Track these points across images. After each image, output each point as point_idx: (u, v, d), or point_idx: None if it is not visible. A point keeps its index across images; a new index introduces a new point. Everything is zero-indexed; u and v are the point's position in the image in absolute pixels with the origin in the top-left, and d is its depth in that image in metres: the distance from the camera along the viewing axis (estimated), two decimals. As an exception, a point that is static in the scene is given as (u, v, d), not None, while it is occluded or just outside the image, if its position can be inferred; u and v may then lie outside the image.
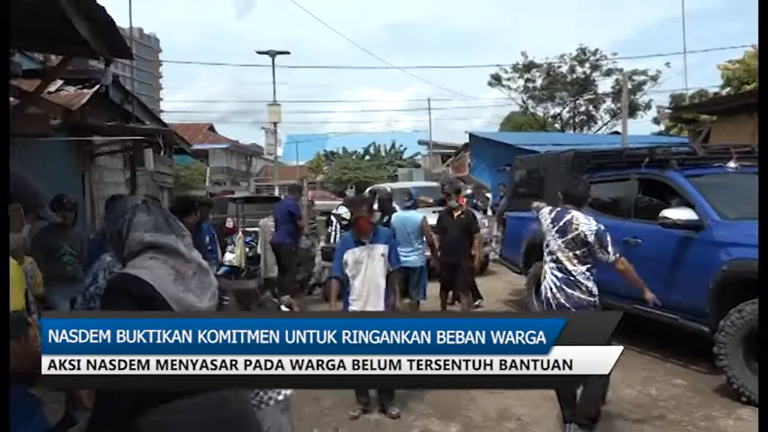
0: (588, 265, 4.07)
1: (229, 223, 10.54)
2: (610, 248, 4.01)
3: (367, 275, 4.75)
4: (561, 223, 4.15)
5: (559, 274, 4.12)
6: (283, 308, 8.26)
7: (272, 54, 24.69)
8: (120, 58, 7.64)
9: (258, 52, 24.69)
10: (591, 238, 4.01)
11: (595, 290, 4.07)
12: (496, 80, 35.28)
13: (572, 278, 4.06)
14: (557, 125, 36.25)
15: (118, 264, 2.38)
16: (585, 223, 4.06)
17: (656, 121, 32.75)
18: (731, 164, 5.99)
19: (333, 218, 9.65)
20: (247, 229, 11.10)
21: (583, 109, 35.93)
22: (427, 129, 40.20)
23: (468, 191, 19.02)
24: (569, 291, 4.05)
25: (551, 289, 4.14)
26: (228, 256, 9.09)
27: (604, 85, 34.58)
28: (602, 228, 4.06)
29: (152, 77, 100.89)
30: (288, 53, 25.48)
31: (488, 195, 16.42)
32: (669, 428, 4.32)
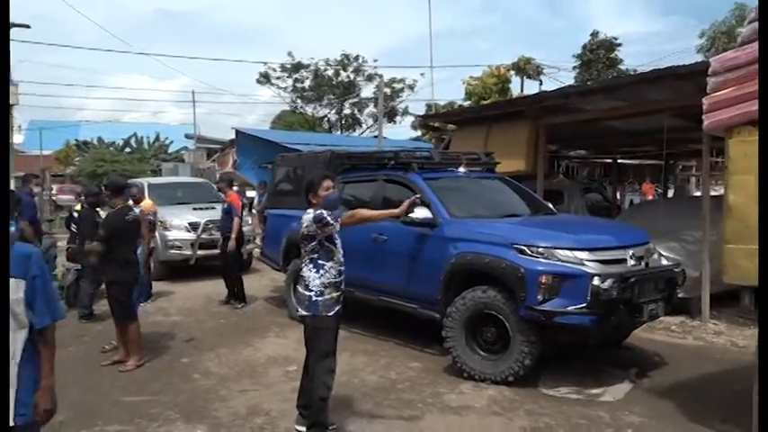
0: (314, 256, 3.98)
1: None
2: (330, 219, 3.88)
3: None
4: None
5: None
6: None
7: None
8: None
9: (-11, 22, 21.33)
10: (312, 227, 3.92)
11: (315, 283, 3.95)
12: (266, 78, 35.30)
13: (302, 275, 4.08)
14: (326, 126, 37.48)
15: None
16: (305, 218, 3.98)
17: (414, 127, 35.69)
18: (461, 169, 6.80)
19: (75, 213, 8.77)
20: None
21: (348, 112, 37.68)
22: (197, 122, 38.63)
23: (236, 187, 18.70)
24: (298, 288, 4.12)
25: None
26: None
27: (368, 90, 36.69)
28: (318, 211, 3.93)
29: None
30: (27, 26, 22.41)
31: (250, 194, 16.34)
32: (402, 407, 4.73)
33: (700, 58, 24.37)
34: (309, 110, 37.32)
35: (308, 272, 4.00)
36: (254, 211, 13.99)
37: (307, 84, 36.13)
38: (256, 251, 11.04)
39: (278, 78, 35.77)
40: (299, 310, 4.10)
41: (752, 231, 3.38)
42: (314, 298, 3.96)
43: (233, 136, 21.48)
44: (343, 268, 4.10)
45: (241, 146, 19.44)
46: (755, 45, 3.45)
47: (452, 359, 5.44)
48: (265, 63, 36.88)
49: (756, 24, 3.51)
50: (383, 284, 6.39)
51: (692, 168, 19.97)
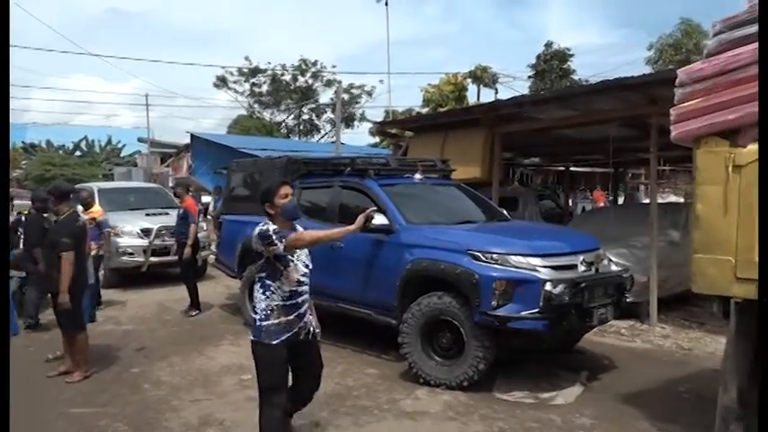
0: (262, 275, 3.62)
1: None
2: (275, 239, 3.45)
3: None
4: None
5: None
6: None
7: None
8: None
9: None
10: (259, 244, 3.53)
11: (261, 305, 3.57)
12: (222, 82, 34.88)
13: (253, 294, 3.80)
14: (283, 131, 37.22)
15: None
16: (254, 233, 3.56)
17: (372, 133, 35.76)
18: (417, 175, 6.86)
19: (22, 218, 8.47)
20: None
21: (306, 117, 37.50)
22: (151, 126, 37.77)
23: (191, 192, 18.35)
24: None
25: None
26: None
27: (326, 95, 36.61)
28: (264, 227, 3.52)
29: None
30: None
31: (205, 199, 16.12)
32: (358, 414, 4.72)
33: (648, 69, 25.21)
34: (267, 115, 37.01)
35: (256, 292, 3.63)
36: (209, 216, 13.77)
37: (264, 88, 35.83)
38: (211, 257, 10.85)
39: (235, 82, 35.39)
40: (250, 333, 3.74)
41: (720, 241, 3.42)
42: (258, 322, 3.56)
43: (188, 140, 21.09)
44: (301, 289, 3.64)
45: (196, 150, 19.09)
46: (722, 57, 3.53)
47: (408, 365, 5.46)
48: (223, 67, 36.38)
49: (722, 37, 3.58)
50: (340, 291, 6.37)
51: (642, 176, 20.60)
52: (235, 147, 16.26)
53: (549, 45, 29.40)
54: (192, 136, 19.81)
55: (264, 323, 3.55)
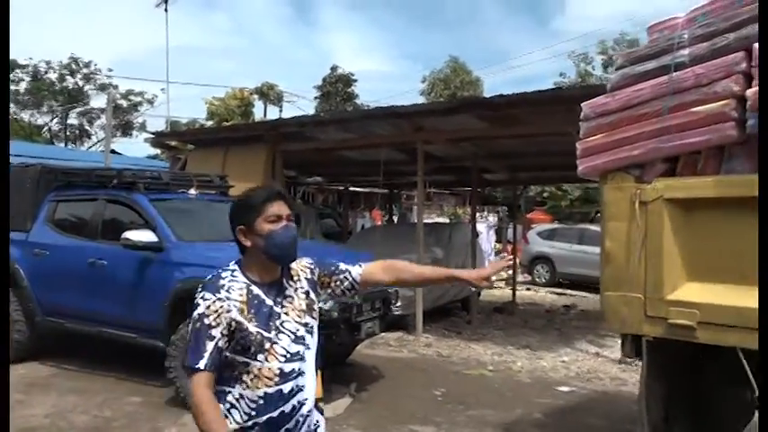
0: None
1: None
2: (191, 346, 1.95)
3: None
4: None
5: None
6: None
7: None
8: None
9: None
10: None
11: None
12: (-32, 75, 30.10)
13: None
14: (47, 136, 33.24)
15: None
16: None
17: (153, 143, 33.59)
18: (192, 191, 6.62)
19: None
20: None
21: (75, 122, 34.03)
22: None
23: None
24: None
25: None
26: None
27: (99, 100, 33.59)
28: (200, 293, 1.92)
29: None
30: None
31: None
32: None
33: (422, 99, 27.55)
34: (26, 116, 32.77)
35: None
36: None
37: (23, 86, 31.71)
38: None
39: (-16, 77, 30.78)
40: None
41: (629, 278, 3.30)
42: None
43: None
44: (289, 386, 1.94)
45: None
46: (626, 91, 3.46)
47: (176, 390, 5.20)
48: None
49: (624, 71, 3.52)
50: (101, 314, 5.86)
51: (415, 198, 22.31)
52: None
53: (334, 69, 30.62)
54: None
55: None
